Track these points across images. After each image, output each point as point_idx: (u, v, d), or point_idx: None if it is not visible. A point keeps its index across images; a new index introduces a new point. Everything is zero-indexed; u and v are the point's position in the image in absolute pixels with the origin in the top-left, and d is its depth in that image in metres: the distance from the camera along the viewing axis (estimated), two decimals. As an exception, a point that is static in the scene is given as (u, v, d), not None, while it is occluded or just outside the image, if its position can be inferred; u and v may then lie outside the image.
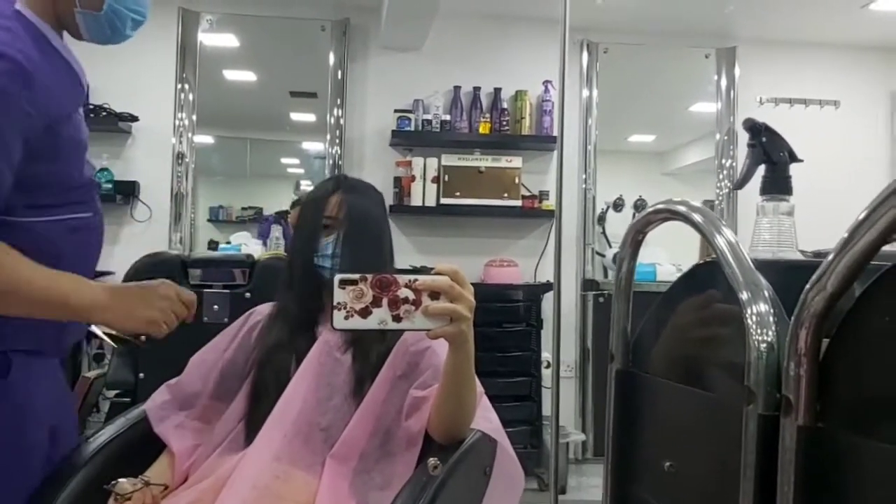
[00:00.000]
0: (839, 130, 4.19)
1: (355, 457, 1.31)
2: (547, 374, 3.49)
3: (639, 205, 4.17)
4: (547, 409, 3.35)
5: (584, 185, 4.21)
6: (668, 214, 0.89)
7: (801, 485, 0.62)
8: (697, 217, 0.83)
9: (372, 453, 1.32)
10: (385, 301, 1.00)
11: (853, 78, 4.33)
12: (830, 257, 0.60)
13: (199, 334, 1.53)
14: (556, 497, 0.93)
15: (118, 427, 1.44)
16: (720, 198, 4.23)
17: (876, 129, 4.33)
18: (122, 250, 3.76)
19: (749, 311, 0.71)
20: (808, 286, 0.63)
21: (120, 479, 1.25)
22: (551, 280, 3.00)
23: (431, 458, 1.17)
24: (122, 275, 2.94)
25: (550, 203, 3.95)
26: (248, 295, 2.74)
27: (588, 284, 4.09)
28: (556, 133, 3.79)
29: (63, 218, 1.26)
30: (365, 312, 1.00)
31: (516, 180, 3.89)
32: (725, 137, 4.25)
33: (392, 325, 1.01)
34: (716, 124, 4.30)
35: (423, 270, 3.75)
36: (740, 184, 0.98)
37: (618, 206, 4.19)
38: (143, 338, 1.31)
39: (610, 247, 4.14)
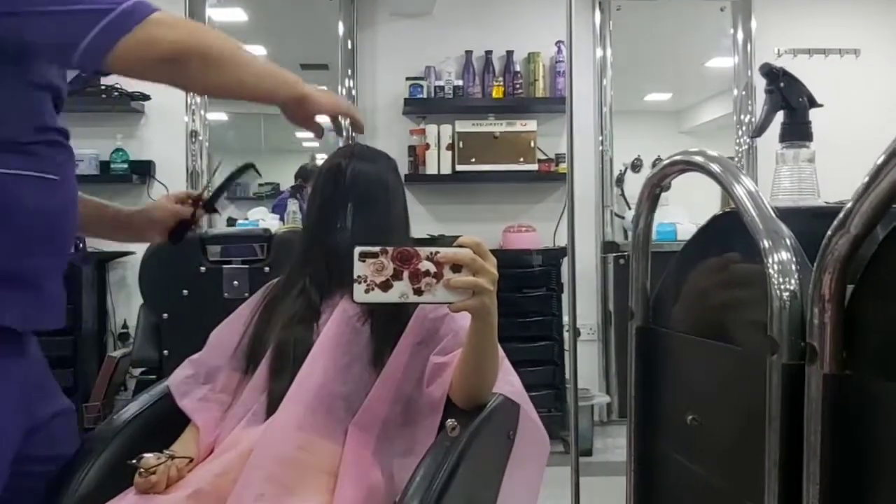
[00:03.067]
0: (860, 80, 4.10)
1: (378, 424, 1.31)
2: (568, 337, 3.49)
3: (657, 165, 4.12)
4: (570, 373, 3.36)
5: (600, 147, 4.16)
6: (684, 166, 0.87)
7: (828, 434, 0.61)
8: (715, 167, 0.80)
9: (394, 420, 1.32)
10: (406, 274, 0.99)
11: (873, 25, 4.23)
12: (854, 198, 0.58)
13: (221, 310, 1.54)
14: (577, 460, 0.92)
15: (142, 403, 1.45)
16: (740, 154, 4.17)
17: (898, 77, 4.24)
18: (141, 230, 3.78)
19: (770, 260, 0.69)
20: (831, 229, 0.61)
21: (145, 454, 1.26)
22: (561, 244, 2.98)
23: (449, 420, 1.17)
24: (141, 255, 2.96)
25: (565, 167, 3.92)
26: (266, 269, 2.74)
27: (608, 247, 4.06)
28: (558, 100, 3.74)
29: (22, 173, 1.13)
30: (386, 286, 0.99)
31: (532, 144, 3.85)
32: (743, 92, 4.18)
33: (413, 299, 1.00)
34: (733, 79, 4.22)
35: (441, 239, 3.76)
36: (759, 131, 0.96)
37: (636, 166, 4.14)
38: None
39: (629, 208, 4.09)
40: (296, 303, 1.43)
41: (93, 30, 1.04)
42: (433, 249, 1.01)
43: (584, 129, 4.10)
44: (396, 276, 0.99)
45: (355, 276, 0.99)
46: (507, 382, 1.34)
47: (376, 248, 0.99)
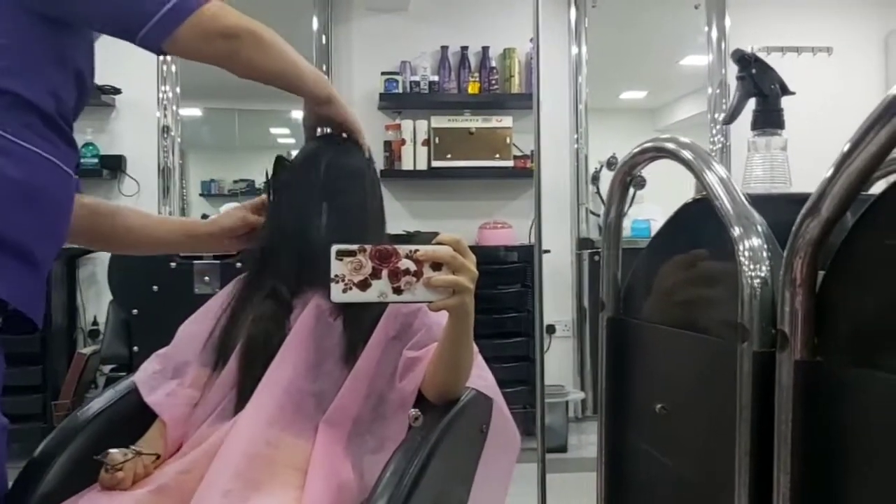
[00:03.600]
0: (833, 77, 4.14)
1: (349, 421, 1.29)
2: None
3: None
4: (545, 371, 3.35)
5: (575, 146, 4.17)
6: (655, 153, 0.86)
7: (799, 422, 0.60)
8: (687, 153, 0.80)
9: (365, 416, 1.30)
10: (385, 273, 0.97)
11: (846, 23, 4.27)
12: (825, 180, 0.57)
13: (191, 306, 1.51)
14: (544, 457, 0.92)
15: (107, 399, 1.42)
16: (714, 152, 4.19)
17: (870, 75, 4.28)
18: (111, 226, 3.72)
19: (741, 247, 0.69)
20: (802, 212, 0.60)
21: (111, 450, 1.23)
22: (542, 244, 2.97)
23: (412, 410, 1.16)
24: (111, 250, 2.92)
25: (527, 167, 3.92)
26: (238, 265, 2.71)
27: (583, 243, 4.07)
28: (533, 98, 3.74)
29: (51, 158, 1.13)
30: (364, 285, 0.97)
31: (507, 140, 3.85)
32: (717, 90, 4.20)
33: (392, 298, 0.98)
34: (707, 77, 4.24)
35: (417, 236, 3.74)
36: (730, 117, 0.95)
37: (611, 164, 4.15)
38: None
39: (604, 206, 4.10)
40: (266, 298, 1.40)
41: (165, 5, 1.10)
42: (412, 247, 0.99)
43: (559, 127, 4.10)
44: (375, 274, 0.97)
45: (332, 276, 0.96)
46: (480, 377, 1.33)
47: (354, 247, 0.97)
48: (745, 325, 0.66)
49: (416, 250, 0.99)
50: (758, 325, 0.66)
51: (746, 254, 0.68)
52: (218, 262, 2.78)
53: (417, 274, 0.99)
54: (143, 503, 1.18)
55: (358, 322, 1.32)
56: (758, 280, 0.67)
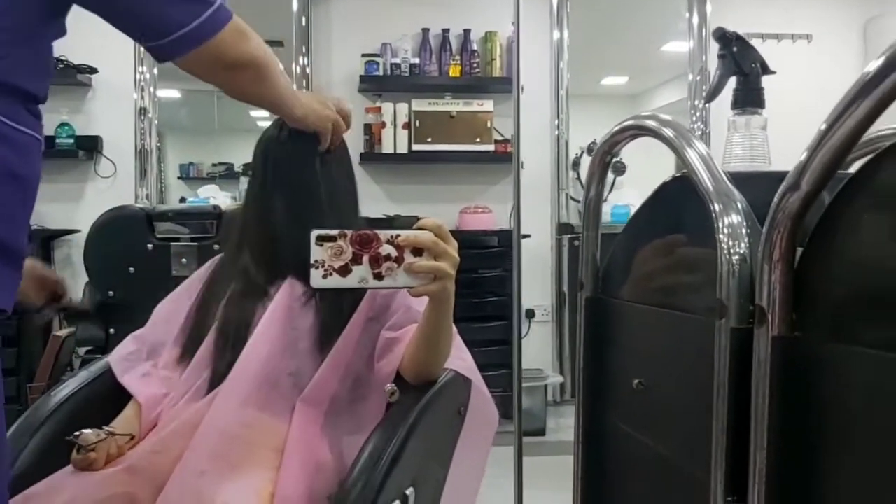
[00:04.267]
0: (812, 64, 4.16)
1: (326, 401, 1.29)
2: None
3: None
4: (524, 355, 3.35)
5: (556, 131, 4.16)
6: (636, 131, 0.85)
7: (776, 398, 0.60)
8: (668, 131, 0.79)
9: (343, 397, 1.30)
10: (366, 258, 0.96)
11: (825, 11, 4.29)
12: (805, 155, 0.57)
13: (168, 288, 1.50)
14: (521, 440, 0.92)
15: (81, 380, 1.40)
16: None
17: (849, 62, 4.30)
18: (87, 207, 3.68)
19: (721, 224, 0.68)
20: (782, 187, 0.59)
21: (84, 431, 1.22)
22: (523, 229, 2.97)
23: (388, 385, 1.16)
24: (87, 232, 2.88)
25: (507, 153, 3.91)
26: (216, 247, 2.69)
27: (563, 228, 4.07)
28: (515, 82, 3.73)
29: (31, 133, 1.06)
30: (344, 270, 0.96)
31: (488, 124, 3.84)
32: (699, 77, 4.21)
33: (373, 284, 0.97)
34: (688, 64, 4.25)
35: (397, 220, 3.72)
36: (711, 95, 0.95)
37: (591, 150, 4.15)
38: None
39: (584, 187, 4.11)
40: (241, 279, 1.39)
41: (186, 26, 1.05)
42: (394, 232, 0.97)
43: (541, 112, 4.09)
44: (356, 260, 0.96)
45: (312, 261, 0.95)
46: (459, 358, 1.33)
47: (334, 232, 0.95)
48: (723, 301, 0.66)
49: (398, 235, 0.98)
50: (736, 302, 0.66)
51: (726, 230, 0.68)
52: (196, 244, 2.76)
53: (399, 259, 0.98)
54: (115, 483, 1.17)
55: (333, 303, 1.31)
56: (736, 256, 0.67)
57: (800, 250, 0.61)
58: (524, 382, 3.68)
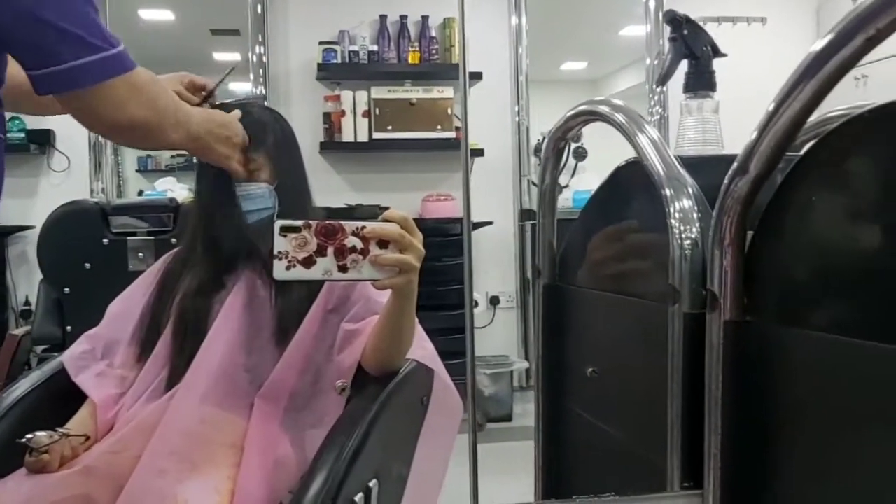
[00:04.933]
0: (767, 47, 4.20)
1: (285, 396, 1.27)
2: (476, 313, 3.48)
3: (573, 135, 4.15)
4: (483, 345, 3.36)
5: (517, 118, 4.16)
6: (588, 116, 0.85)
7: (729, 382, 0.60)
8: (620, 116, 0.79)
9: (303, 391, 1.28)
10: (330, 250, 0.94)
11: (780, -7, 4.33)
12: (753, 137, 0.57)
13: (125, 283, 1.46)
14: (475, 428, 0.92)
15: (33, 381, 1.36)
16: (653, 122, 4.23)
17: (802, 45, 4.34)
18: (41, 201, 3.61)
19: (672, 209, 0.68)
20: (731, 171, 0.59)
21: (36, 433, 1.19)
22: (477, 220, 2.97)
23: (339, 381, 1.14)
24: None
25: (472, 142, 3.89)
26: (173, 240, 2.64)
27: (526, 215, 4.08)
28: (471, 69, 3.71)
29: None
30: (308, 262, 0.94)
31: (449, 111, 3.82)
32: (656, 61, 4.23)
33: (337, 276, 0.95)
34: (646, 48, 4.27)
35: (360, 209, 3.69)
36: (663, 79, 0.94)
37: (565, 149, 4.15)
38: None
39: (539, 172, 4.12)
40: (196, 273, 1.36)
41: (74, 60, 0.95)
42: (359, 224, 0.96)
43: (501, 99, 4.09)
44: (320, 251, 0.94)
45: (275, 252, 0.93)
46: (421, 347, 1.31)
47: (299, 222, 0.93)
48: (675, 286, 0.66)
49: (363, 227, 0.96)
50: (688, 287, 0.66)
51: (677, 215, 0.68)
52: (152, 237, 2.71)
53: (364, 252, 0.96)
54: (71, 485, 1.14)
55: (291, 296, 1.30)
56: (688, 241, 0.66)
57: (751, 234, 0.61)
58: (490, 369, 3.70)
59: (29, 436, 1.18)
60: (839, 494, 0.56)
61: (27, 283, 3.71)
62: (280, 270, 0.94)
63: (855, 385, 0.52)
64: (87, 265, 2.66)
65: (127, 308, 1.41)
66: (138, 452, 1.16)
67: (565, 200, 3.64)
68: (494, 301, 4.05)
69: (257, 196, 1.34)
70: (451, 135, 3.83)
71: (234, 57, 4.06)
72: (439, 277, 3.49)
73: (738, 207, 0.59)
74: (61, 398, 1.34)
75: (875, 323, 0.51)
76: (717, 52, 0.93)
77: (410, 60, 3.86)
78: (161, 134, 1.10)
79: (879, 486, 0.53)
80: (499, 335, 4.01)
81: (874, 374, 0.51)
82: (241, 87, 4.01)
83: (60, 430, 1.22)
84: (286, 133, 1.42)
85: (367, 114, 3.79)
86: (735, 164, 0.59)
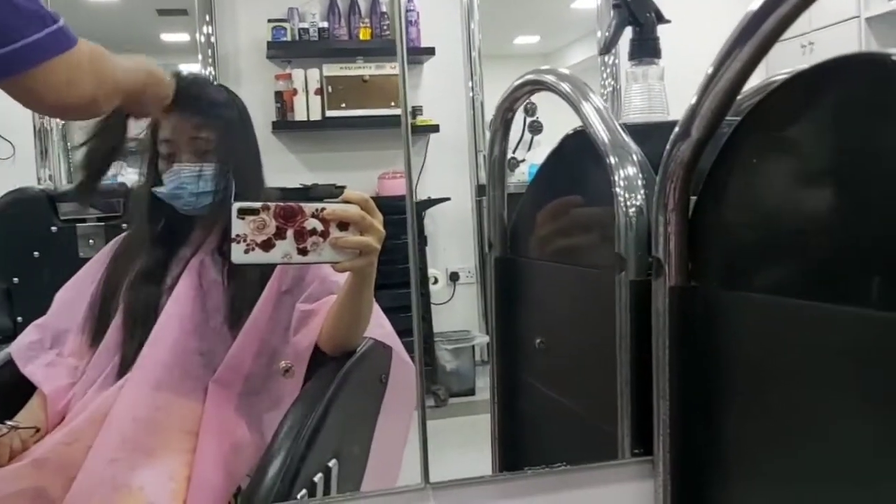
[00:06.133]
0: (716, 13, 4.21)
1: (240, 379, 1.26)
2: (435, 289, 3.48)
3: (529, 108, 4.14)
4: (444, 321, 3.35)
5: (471, 93, 4.14)
6: (533, 86, 0.84)
7: (675, 348, 0.60)
8: (565, 86, 0.78)
9: (258, 374, 1.27)
10: (290, 233, 0.92)
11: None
12: (693, 101, 0.57)
13: (77, 271, 1.43)
14: (423, 403, 0.93)
15: (-21, 372, 1.33)
16: (605, 96, 4.24)
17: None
18: (-16, 191, 3.51)
19: (617, 176, 0.68)
20: (673, 136, 0.59)
21: (-21, 426, 1.16)
22: (434, 196, 2.96)
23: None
24: (-16, 217, 2.74)
25: (426, 118, 3.87)
26: (124, 226, 2.59)
27: (482, 190, 4.07)
28: (423, 44, 3.68)
29: None
30: (267, 245, 0.92)
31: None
32: (607, 33, 4.22)
33: (297, 259, 0.94)
34: (597, 21, 4.27)
35: (315, 189, 3.65)
36: (607, 47, 0.94)
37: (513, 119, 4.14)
38: None
39: (487, 145, 4.11)
40: (145, 258, 1.34)
41: (23, 39, 0.89)
42: (319, 206, 0.94)
43: (454, 74, 4.06)
44: (279, 234, 0.92)
45: (233, 235, 0.91)
46: (379, 325, 1.31)
47: (257, 205, 0.91)
48: (621, 254, 0.66)
49: (323, 209, 0.95)
50: (634, 254, 0.66)
51: (622, 183, 0.68)
52: (103, 224, 2.64)
53: (324, 234, 0.95)
54: (22, 477, 1.12)
55: (243, 278, 1.28)
56: (633, 209, 0.67)
57: (694, 199, 0.61)
58: (451, 345, 3.71)
59: (-24, 429, 1.16)
60: (786, 454, 0.57)
61: (-26, 275, 3.62)
62: (238, 254, 0.92)
63: (795, 345, 0.53)
64: (36, 254, 2.58)
65: (75, 295, 1.38)
66: (90, 442, 1.15)
67: (521, 175, 3.64)
68: (454, 277, 4.05)
69: (207, 177, 1.31)
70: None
71: (182, 37, 3.97)
72: (397, 255, 3.47)
73: (680, 172, 0.59)
74: (10, 390, 1.31)
75: (815, 283, 0.52)
76: (661, 19, 0.93)
77: (362, 37, 3.82)
78: (104, 105, 1.06)
79: (825, 444, 0.54)
80: (459, 311, 4.02)
81: (815, 333, 0.51)
82: (190, 68, 3.92)
83: (9, 422, 1.20)
84: (239, 112, 1.38)
85: (319, 91, 3.74)
86: (677, 129, 0.59)
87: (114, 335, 1.30)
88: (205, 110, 1.31)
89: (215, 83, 1.42)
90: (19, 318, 2.64)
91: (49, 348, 1.35)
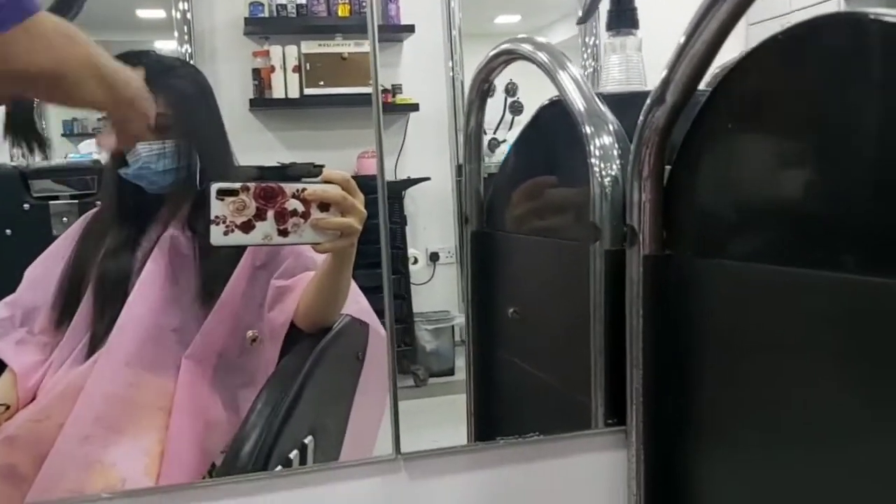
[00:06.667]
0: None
1: (214, 356, 1.24)
2: (415, 270, 3.45)
3: (510, 88, 4.11)
4: (423, 302, 3.34)
5: (451, 73, 4.11)
6: (509, 55, 0.83)
7: (649, 316, 0.60)
8: (542, 55, 0.77)
9: (233, 350, 1.26)
10: (270, 214, 0.91)
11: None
12: (669, 67, 0.56)
13: (51, 248, 1.41)
14: (395, 384, 0.92)
15: (-52, 352, 1.31)
16: (586, 76, 4.22)
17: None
18: (-44, 169, 3.45)
19: (592, 146, 0.67)
20: (648, 102, 0.58)
21: (-51, 405, 1.14)
22: (414, 176, 2.95)
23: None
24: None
25: (405, 97, 3.83)
26: (98, 203, 2.55)
27: (461, 170, 4.06)
28: (403, 22, 3.64)
29: None
30: (247, 227, 0.90)
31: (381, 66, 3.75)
32: (585, 3, 4.21)
33: (277, 241, 0.92)
34: (579, 0, 4.25)
35: (293, 167, 3.62)
36: (584, 17, 0.93)
37: (488, 91, 4.12)
38: None
39: (484, 133, 4.09)
40: (115, 235, 1.32)
41: None
42: (300, 186, 0.93)
43: (434, 54, 4.02)
44: (259, 215, 0.90)
45: (212, 217, 0.89)
46: (355, 302, 1.30)
47: (236, 185, 0.90)
48: (596, 223, 0.65)
49: (304, 189, 0.93)
50: (609, 224, 0.65)
51: (597, 152, 0.67)
52: (76, 201, 2.61)
53: (305, 215, 0.94)
54: (-8, 456, 1.11)
55: (216, 254, 1.26)
56: (608, 178, 0.66)
57: (669, 168, 0.61)
58: (431, 325, 3.70)
59: (-56, 408, 1.14)
60: (761, 422, 0.56)
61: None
62: (218, 236, 0.91)
63: (770, 311, 0.52)
64: (8, 231, 2.55)
65: (45, 272, 1.35)
66: (62, 420, 1.13)
67: (501, 154, 3.63)
68: (434, 257, 4.05)
69: (169, 154, 1.28)
70: (385, 90, 3.78)
71: (158, 14, 3.90)
72: (374, 235, 3.46)
73: (655, 139, 0.58)
74: (-20, 368, 1.29)
75: (790, 249, 0.51)
76: (639, -12, 0.92)
77: (340, 13, 3.78)
78: (77, 88, 1.00)
79: (800, 411, 0.54)
80: (439, 291, 4.01)
81: (790, 299, 0.51)
82: (166, 46, 3.86)
83: (-22, 400, 1.18)
84: (199, 86, 1.36)
85: (297, 69, 3.70)
86: (651, 95, 0.59)
87: (84, 312, 1.28)
88: (162, 85, 1.28)
89: (175, 58, 1.39)
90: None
91: (19, 326, 1.33)
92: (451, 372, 3.77)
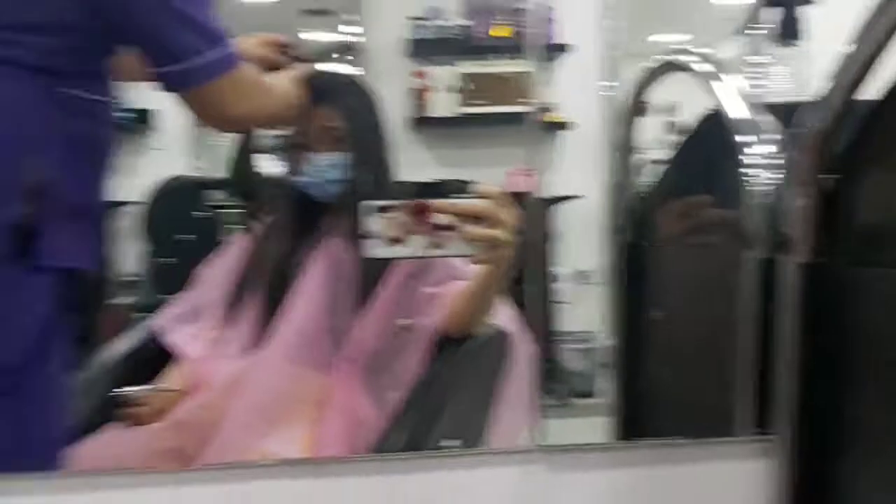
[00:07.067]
0: None
1: (365, 357, 1.29)
2: (560, 288, 3.39)
3: (669, 109, 4.01)
4: (568, 321, 3.29)
5: (604, 91, 4.05)
6: (668, 68, 0.82)
7: (803, 325, 0.57)
8: (699, 66, 0.76)
9: (383, 353, 1.30)
10: (423, 228, 0.95)
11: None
12: (831, 77, 0.54)
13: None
14: None
15: (128, 342, 1.43)
16: (748, 87, 4.05)
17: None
18: (140, 179, 3.73)
19: (747, 154, 0.66)
20: (808, 113, 0.57)
21: (130, 388, 1.25)
22: (561, 193, 2.91)
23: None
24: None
25: (557, 115, 3.80)
26: (263, 212, 2.70)
27: (615, 189, 4.00)
28: (559, 42, 3.62)
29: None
30: (401, 240, 0.95)
31: (532, 85, 3.76)
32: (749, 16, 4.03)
33: (430, 252, 0.97)
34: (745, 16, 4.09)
35: (447, 185, 3.69)
36: (746, 27, 0.90)
37: (641, 110, 4.04)
38: None
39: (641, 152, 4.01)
40: (283, 240, 1.40)
41: (193, 59, 0.98)
42: (451, 201, 0.97)
43: (589, 71, 3.99)
44: (413, 230, 0.95)
45: (371, 230, 0.95)
46: (502, 313, 1.31)
47: (395, 202, 0.95)
48: (750, 232, 0.64)
49: (455, 204, 0.97)
50: (762, 232, 0.63)
51: (754, 161, 0.65)
52: (244, 210, 2.78)
53: (456, 228, 0.97)
54: (164, 437, 1.20)
55: (372, 263, 1.31)
56: (763, 187, 0.64)
57: (828, 177, 0.58)
58: (573, 344, 3.65)
59: (124, 390, 1.25)
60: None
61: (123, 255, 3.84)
62: (375, 248, 0.96)
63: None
64: (182, 237, 2.74)
65: (218, 273, 1.45)
66: (226, 408, 1.21)
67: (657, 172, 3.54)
68: (581, 276, 3.99)
69: (340, 165, 1.36)
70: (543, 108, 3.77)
71: (322, 35, 4.10)
72: (522, 251, 3.46)
73: (816, 146, 0.57)
74: (154, 358, 1.39)
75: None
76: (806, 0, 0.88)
77: (498, 34, 3.82)
78: (258, 124, 1.17)
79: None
80: (584, 311, 3.94)
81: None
82: (328, 67, 4.04)
83: (153, 386, 1.28)
84: (370, 101, 1.43)
85: (454, 88, 3.78)
86: (813, 105, 0.57)
87: (252, 310, 1.36)
88: (335, 101, 1.36)
89: (348, 75, 1.46)
90: (162, 296, 2.82)
91: (191, 321, 1.43)
92: (590, 394, 3.71)
